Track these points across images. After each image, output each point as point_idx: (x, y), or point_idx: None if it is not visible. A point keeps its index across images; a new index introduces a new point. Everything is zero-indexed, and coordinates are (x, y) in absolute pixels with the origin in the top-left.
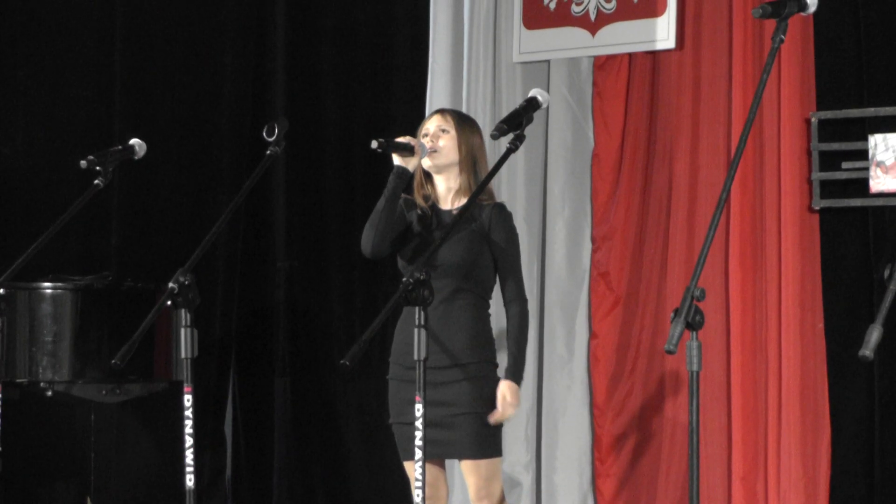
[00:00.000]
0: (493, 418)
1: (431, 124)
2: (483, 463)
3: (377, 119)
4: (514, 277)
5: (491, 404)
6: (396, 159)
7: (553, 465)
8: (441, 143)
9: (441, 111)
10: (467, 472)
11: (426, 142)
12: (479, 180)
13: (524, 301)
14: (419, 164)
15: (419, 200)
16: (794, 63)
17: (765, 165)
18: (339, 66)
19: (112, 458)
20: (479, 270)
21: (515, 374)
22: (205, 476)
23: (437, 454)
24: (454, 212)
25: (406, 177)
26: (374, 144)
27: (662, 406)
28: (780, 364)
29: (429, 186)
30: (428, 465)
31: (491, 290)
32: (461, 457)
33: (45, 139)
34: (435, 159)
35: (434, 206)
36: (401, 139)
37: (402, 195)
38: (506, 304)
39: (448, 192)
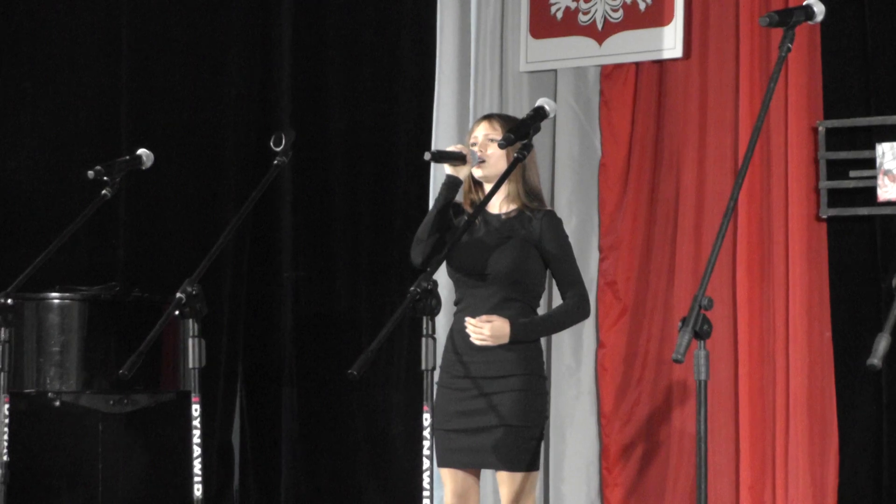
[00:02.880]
0: (471, 323)
1: (479, 132)
2: (519, 476)
3: (383, 128)
4: (574, 285)
5: (535, 418)
6: (448, 168)
7: (561, 474)
8: (489, 151)
9: (489, 118)
10: (502, 483)
11: (475, 150)
12: (528, 187)
13: (586, 302)
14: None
15: (467, 207)
16: (801, 72)
17: (772, 174)
18: (346, 75)
19: (119, 468)
20: (529, 278)
21: (521, 326)
22: (212, 486)
23: (474, 463)
24: (503, 217)
25: (458, 186)
26: (427, 156)
27: (670, 415)
28: (788, 373)
29: (479, 192)
30: (463, 474)
31: (539, 297)
32: (498, 467)
33: (51, 150)
34: (484, 169)
35: (483, 211)
36: (452, 148)
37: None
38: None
39: (497, 198)
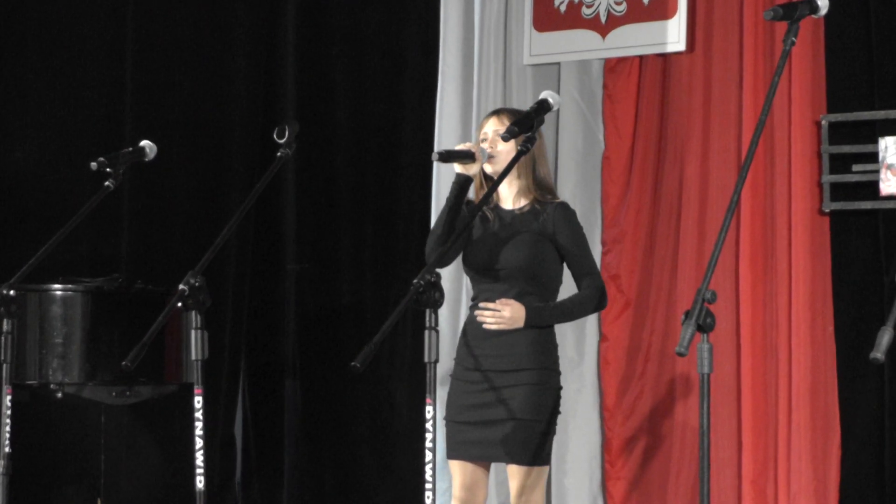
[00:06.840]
0: (488, 308)
1: (489, 128)
2: (527, 470)
3: (387, 122)
4: (589, 275)
5: (545, 413)
6: (458, 167)
7: (563, 467)
8: (499, 147)
9: (497, 113)
10: (512, 476)
11: (485, 146)
12: (538, 180)
13: (601, 292)
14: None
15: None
16: (804, 66)
17: (775, 168)
18: (350, 69)
19: (122, 460)
20: (544, 272)
21: (535, 310)
22: (215, 478)
23: (485, 456)
24: (516, 212)
25: (468, 185)
26: (435, 157)
27: (672, 409)
28: (791, 367)
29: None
30: (472, 467)
31: (557, 290)
32: (507, 460)
33: (56, 142)
34: (494, 165)
35: (496, 207)
36: (461, 147)
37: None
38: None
39: (510, 193)
